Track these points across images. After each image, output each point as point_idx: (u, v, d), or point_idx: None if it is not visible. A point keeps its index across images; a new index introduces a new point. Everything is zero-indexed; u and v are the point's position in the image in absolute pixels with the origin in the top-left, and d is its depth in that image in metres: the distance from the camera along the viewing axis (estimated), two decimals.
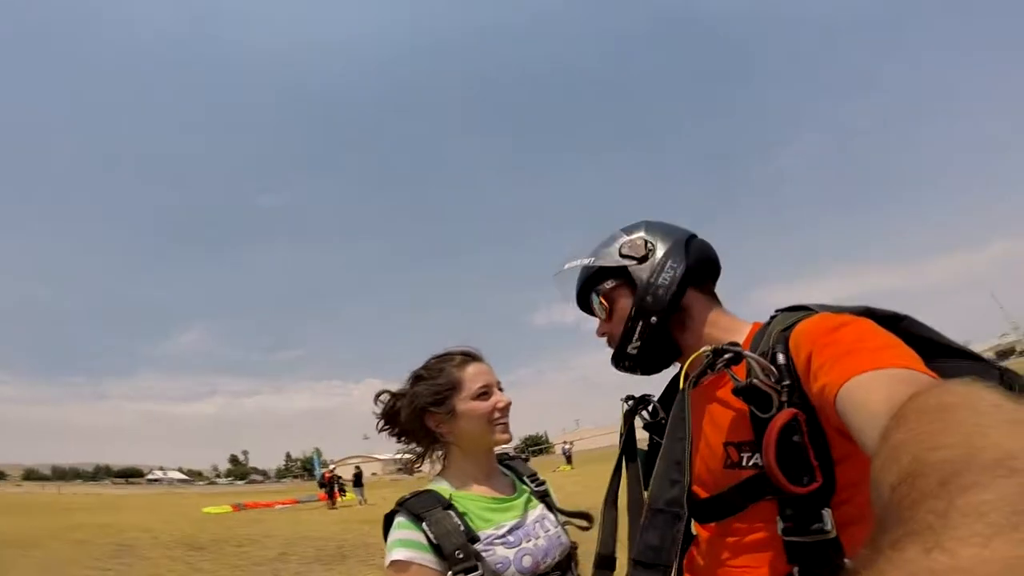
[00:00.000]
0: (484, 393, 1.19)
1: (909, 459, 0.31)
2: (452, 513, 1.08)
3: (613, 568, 1.04)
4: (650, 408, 1.09)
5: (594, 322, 1.12)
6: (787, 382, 0.78)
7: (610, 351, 1.07)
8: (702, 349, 0.88)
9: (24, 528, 11.12)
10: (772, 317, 0.95)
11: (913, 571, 0.21)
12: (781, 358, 0.80)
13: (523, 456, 1.45)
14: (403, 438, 1.26)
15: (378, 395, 1.27)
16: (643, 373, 1.07)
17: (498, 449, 1.26)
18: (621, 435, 1.12)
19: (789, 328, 0.84)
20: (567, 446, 31.36)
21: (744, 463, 0.85)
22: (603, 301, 1.06)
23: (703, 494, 0.93)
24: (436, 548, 1.03)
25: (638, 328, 1.00)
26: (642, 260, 1.01)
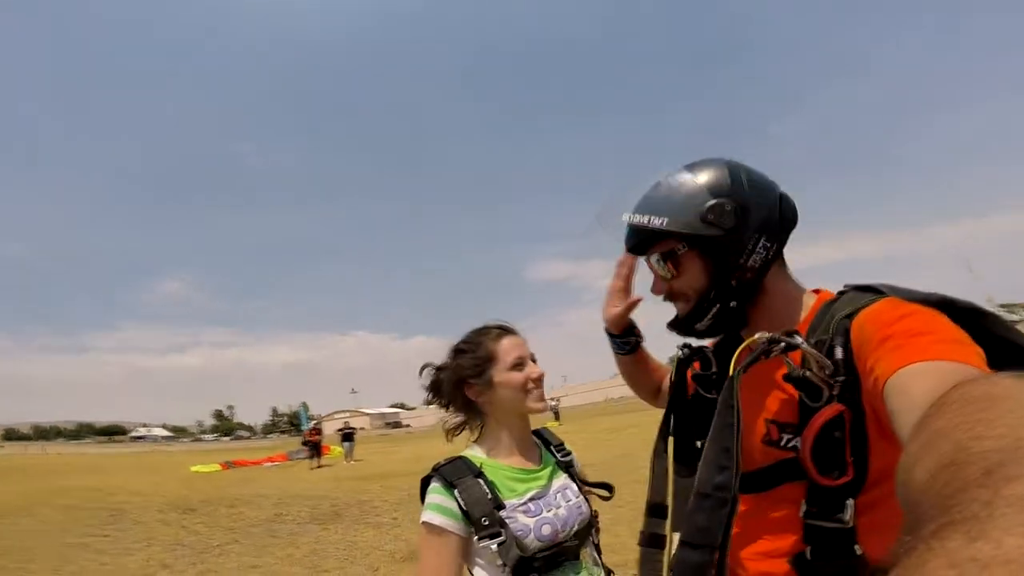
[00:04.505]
0: (519, 364, 1.25)
1: (951, 447, 0.30)
2: (481, 481, 1.16)
3: (665, 516, 1.02)
4: (703, 360, 1.05)
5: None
6: (841, 377, 0.77)
7: (660, 302, 0.98)
8: (757, 335, 0.81)
9: (11, 494, 11.10)
10: (841, 292, 0.90)
11: (956, 560, 0.20)
12: (839, 352, 0.78)
13: None
14: (448, 407, 1.33)
15: (422, 368, 1.33)
16: (700, 339, 1.02)
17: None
18: (672, 384, 1.09)
19: (851, 316, 0.80)
20: (554, 402, 32.29)
21: (784, 443, 0.85)
22: (669, 265, 0.94)
23: (742, 467, 0.93)
24: (465, 514, 1.12)
25: (714, 310, 0.92)
26: (730, 232, 0.87)
